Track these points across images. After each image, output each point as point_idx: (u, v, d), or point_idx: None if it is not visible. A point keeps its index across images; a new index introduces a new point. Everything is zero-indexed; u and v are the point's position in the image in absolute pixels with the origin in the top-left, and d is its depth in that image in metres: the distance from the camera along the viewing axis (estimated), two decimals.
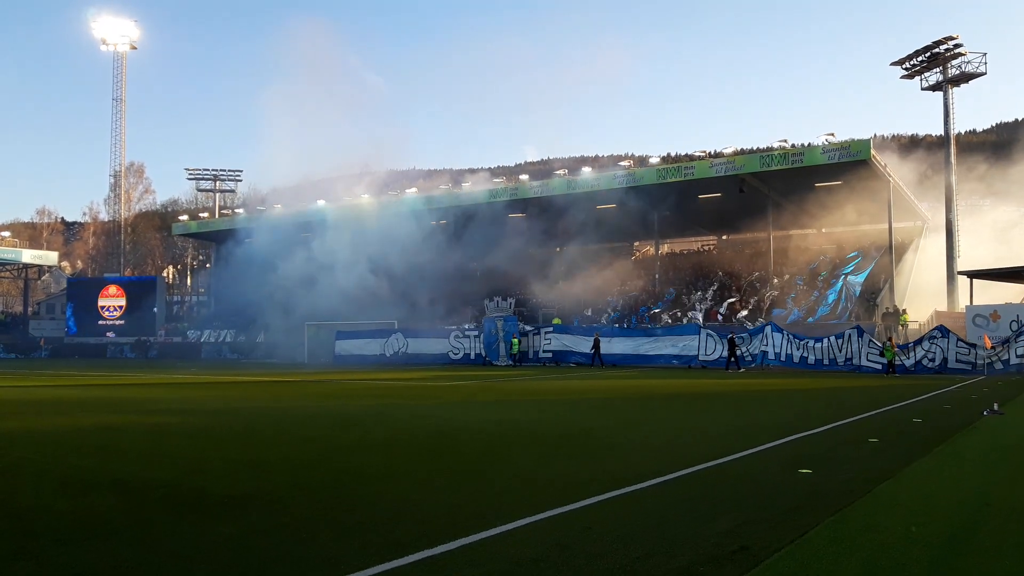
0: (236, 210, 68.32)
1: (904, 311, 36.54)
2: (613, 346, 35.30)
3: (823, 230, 50.03)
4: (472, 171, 68.76)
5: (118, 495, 7.17)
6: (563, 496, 6.61)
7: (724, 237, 56.61)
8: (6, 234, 74.28)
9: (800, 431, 11.21)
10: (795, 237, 50.20)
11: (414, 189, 53.90)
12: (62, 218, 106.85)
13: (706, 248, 56.35)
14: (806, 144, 43.78)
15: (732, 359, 30.96)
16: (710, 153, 45.68)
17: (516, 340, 41.06)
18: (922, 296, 42.20)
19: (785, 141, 41.17)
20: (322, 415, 14.86)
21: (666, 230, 51.86)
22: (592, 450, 9.88)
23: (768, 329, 32.08)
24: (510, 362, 36.13)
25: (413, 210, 47.15)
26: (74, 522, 6.07)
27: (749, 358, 31.64)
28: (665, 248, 56.48)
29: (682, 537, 5.39)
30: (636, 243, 57.47)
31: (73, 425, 13.06)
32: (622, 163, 49.50)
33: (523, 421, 13.44)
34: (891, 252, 40.93)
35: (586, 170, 48.07)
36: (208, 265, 77.37)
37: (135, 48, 70.83)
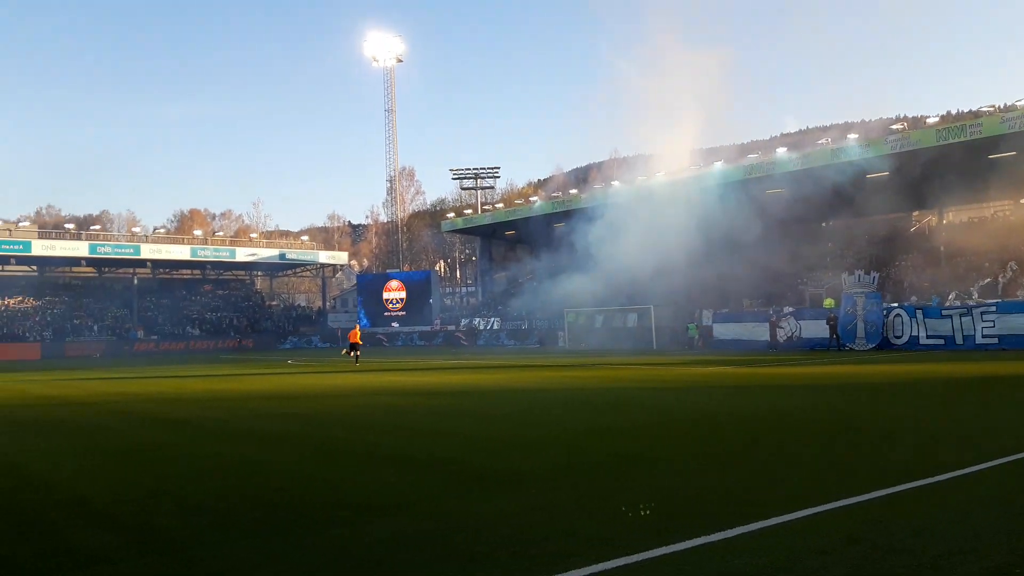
0: (496, 205, 71.81)
1: None
2: None
3: None
4: (720, 148, 66.00)
5: (410, 470, 7.91)
6: (845, 486, 6.20)
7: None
8: (305, 238, 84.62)
9: None
10: None
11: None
12: (349, 221, 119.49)
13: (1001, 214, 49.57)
14: None
15: (834, 337, 31.15)
16: (1000, 107, 39.99)
17: (692, 325, 38.49)
18: None
19: None
20: (590, 399, 15.22)
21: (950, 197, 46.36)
22: (875, 439, 9.17)
23: None
24: (871, 345, 32.19)
25: (731, 183, 44.68)
26: (374, 495, 6.77)
27: None
28: (949, 216, 50.55)
29: (990, 533, 4.85)
30: (915, 213, 52.09)
31: (369, 404, 14.60)
32: (894, 127, 44.99)
33: (796, 408, 12.81)
34: None
35: (852, 137, 44.39)
36: (474, 258, 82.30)
37: (401, 61, 77.10)
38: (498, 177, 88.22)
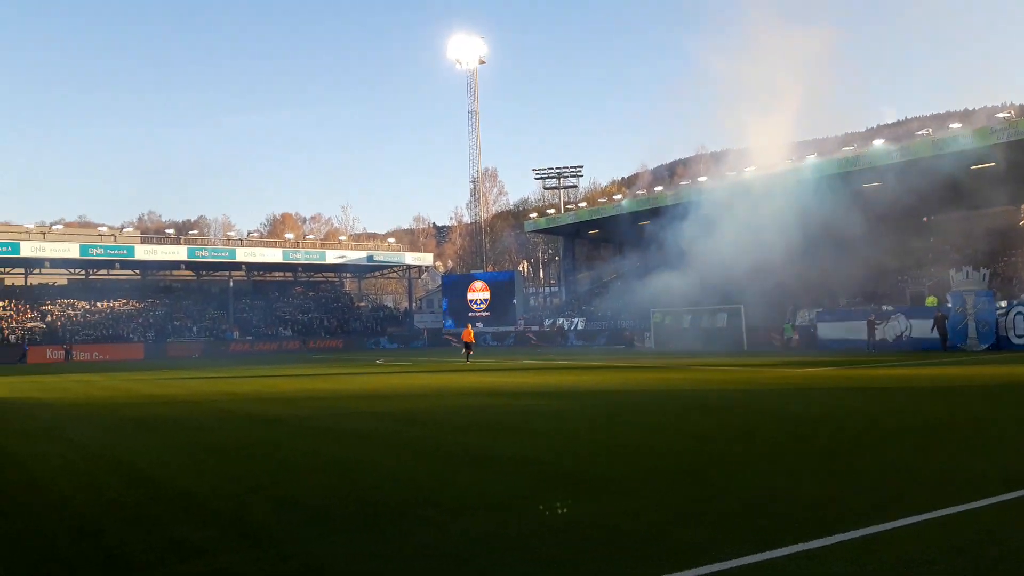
0: (579, 204, 71.55)
1: None
2: None
3: None
4: (813, 142, 63.33)
5: (498, 471, 7.92)
6: (952, 494, 5.89)
7: None
8: (391, 240, 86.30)
9: None
10: None
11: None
12: (433, 223, 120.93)
13: None
14: None
15: (941, 337, 29.83)
16: None
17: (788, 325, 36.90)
18: None
19: None
20: (679, 401, 14.97)
21: None
22: (984, 444, 8.70)
23: None
24: (984, 346, 30.57)
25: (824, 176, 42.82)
26: (463, 495, 6.81)
27: None
28: None
29: None
30: None
31: (457, 405, 14.74)
32: (1000, 115, 42.58)
33: (899, 410, 12.28)
34: None
35: (955, 126, 42.30)
36: (557, 258, 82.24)
37: (484, 63, 77.73)
38: (581, 176, 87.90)
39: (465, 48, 76.28)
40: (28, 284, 60.62)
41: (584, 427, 11.29)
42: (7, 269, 58.84)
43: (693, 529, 5.34)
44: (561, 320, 56.63)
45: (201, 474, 8.14)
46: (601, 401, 15.17)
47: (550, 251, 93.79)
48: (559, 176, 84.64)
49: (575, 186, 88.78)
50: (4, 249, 52.56)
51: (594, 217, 59.43)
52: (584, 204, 68.78)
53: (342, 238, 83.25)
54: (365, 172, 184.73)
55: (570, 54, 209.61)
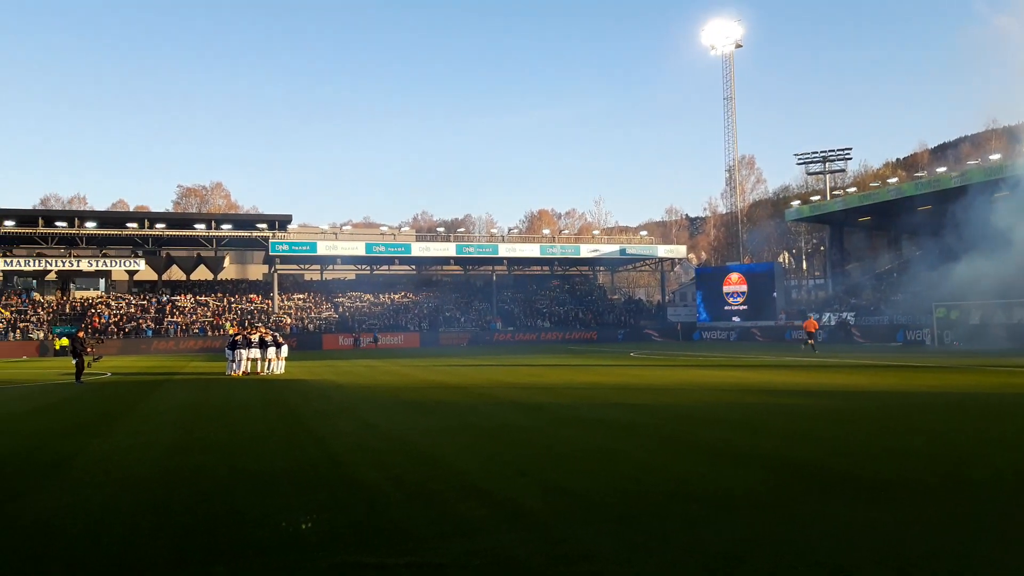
0: (848, 189, 66.42)
1: None
2: None
3: None
4: None
5: (761, 469, 7.61)
6: None
7: None
8: (644, 233, 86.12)
9: None
10: None
11: None
12: (686, 214, 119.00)
13: None
14: None
15: None
16: None
17: None
18: None
19: None
20: (971, 405, 13.43)
21: None
22: None
23: None
24: None
25: None
26: (724, 492, 6.63)
27: None
28: None
29: None
30: None
31: (712, 401, 14.38)
32: None
33: None
34: None
35: None
36: (822, 248, 77.09)
37: (740, 46, 74.77)
38: (850, 159, 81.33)
39: (720, 33, 74.07)
40: (323, 279, 68.62)
41: (857, 429, 10.47)
42: (306, 266, 66.92)
43: (994, 545, 4.76)
44: (828, 314, 52.99)
45: (474, 456, 8.70)
46: (874, 403, 13.98)
47: (814, 241, 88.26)
48: (824, 160, 79.19)
49: (843, 170, 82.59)
50: (304, 248, 59.81)
51: (866, 203, 54.71)
52: (853, 189, 63.83)
53: (595, 232, 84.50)
54: (617, 165, 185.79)
55: (834, 27, 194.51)
